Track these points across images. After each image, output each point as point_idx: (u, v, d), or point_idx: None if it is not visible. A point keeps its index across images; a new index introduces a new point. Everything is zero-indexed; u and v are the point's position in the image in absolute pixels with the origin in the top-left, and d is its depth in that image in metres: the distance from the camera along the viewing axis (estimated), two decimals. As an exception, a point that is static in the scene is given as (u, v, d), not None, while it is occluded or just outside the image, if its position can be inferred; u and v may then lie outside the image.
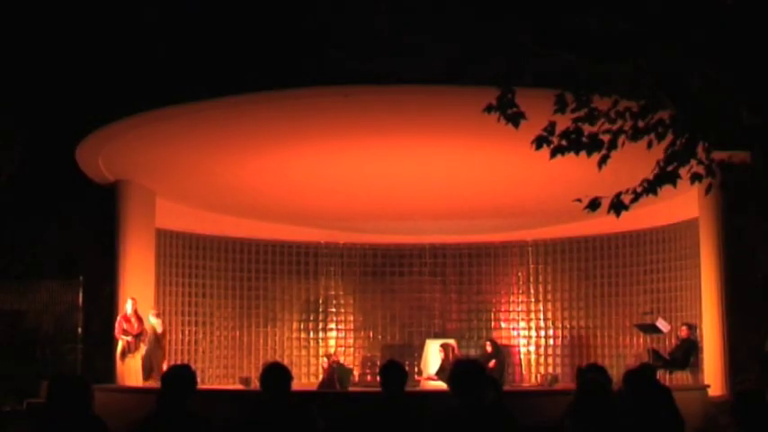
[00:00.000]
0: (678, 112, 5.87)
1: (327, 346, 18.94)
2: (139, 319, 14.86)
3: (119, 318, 14.82)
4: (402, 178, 15.44)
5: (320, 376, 17.01)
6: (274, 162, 14.59)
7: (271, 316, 18.85)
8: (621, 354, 17.49)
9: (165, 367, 14.37)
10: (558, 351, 18.64)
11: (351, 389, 16.05)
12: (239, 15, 11.57)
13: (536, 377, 18.50)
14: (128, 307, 14.79)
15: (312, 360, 19.03)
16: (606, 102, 6.12)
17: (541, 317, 18.97)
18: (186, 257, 17.62)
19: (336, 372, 15.99)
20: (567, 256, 18.80)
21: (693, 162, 5.98)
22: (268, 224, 18.63)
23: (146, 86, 12.23)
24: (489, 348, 17.49)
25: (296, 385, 6.25)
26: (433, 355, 17.77)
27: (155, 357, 14.93)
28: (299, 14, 11.27)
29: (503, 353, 17.76)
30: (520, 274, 19.37)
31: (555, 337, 18.77)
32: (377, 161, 14.58)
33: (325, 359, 17.12)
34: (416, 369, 18.15)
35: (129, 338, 14.66)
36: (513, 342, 19.03)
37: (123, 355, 14.66)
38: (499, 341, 18.28)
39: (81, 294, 16.14)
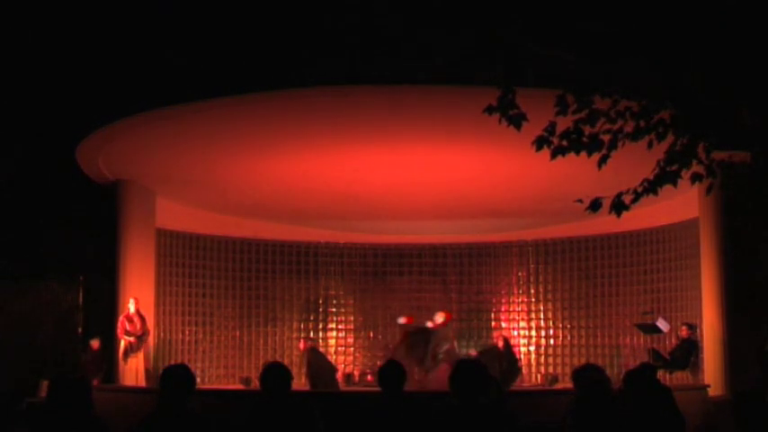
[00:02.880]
0: (678, 112, 5.87)
1: (328, 346, 18.94)
2: (142, 319, 14.86)
3: (121, 317, 14.83)
4: (402, 178, 15.42)
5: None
6: (274, 162, 14.58)
7: (271, 316, 18.85)
8: (621, 354, 17.49)
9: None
10: (558, 351, 18.64)
11: (352, 389, 15.97)
12: (239, 15, 11.56)
13: (536, 377, 18.50)
14: (130, 306, 14.80)
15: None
16: (606, 102, 6.11)
17: (541, 317, 18.97)
18: (186, 257, 17.62)
19: (311, 360, 15.38)
20: (567, 256, 18.80)
21: (694, 162, 5.98)
22: (268, 224, 18.63)
23: (146, 86, 12.22)
24: (501, 343, 17.15)
25: (296, 385, 6.25)
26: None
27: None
28: (299, 14, 11.26)
29: (513, 351, 17.66)
30: (520, 274, 19.37)
31: (555, 337, 18.77)
32: (377, 161, 14.57)
33: (302, 341, 16.75)
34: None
35: (132, 338, 14.67)
36: (514, 342, 19.00)
37: (125, 354, 14.66)
38: (499, 341, 18.26)
39: (81, 294, 16.14)
